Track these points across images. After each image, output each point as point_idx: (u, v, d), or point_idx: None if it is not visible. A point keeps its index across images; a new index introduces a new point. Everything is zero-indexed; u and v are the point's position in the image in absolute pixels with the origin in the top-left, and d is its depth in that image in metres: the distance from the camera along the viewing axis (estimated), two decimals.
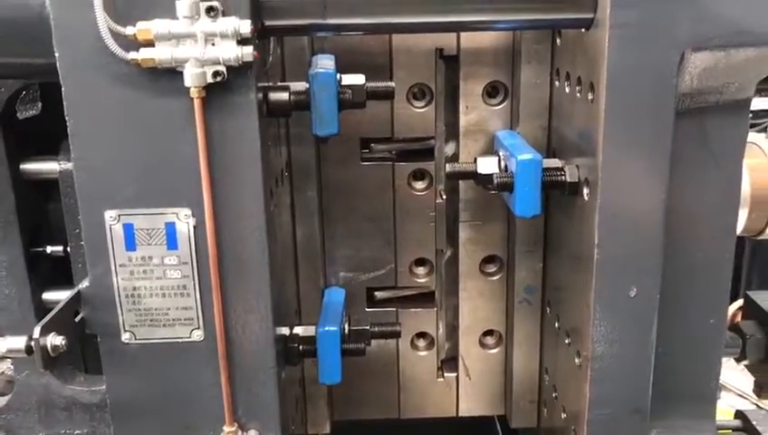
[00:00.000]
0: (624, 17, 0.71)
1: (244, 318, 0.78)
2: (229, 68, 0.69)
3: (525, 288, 1.02)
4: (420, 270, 1.08)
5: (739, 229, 1.10)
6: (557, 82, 0.91)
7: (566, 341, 0.89)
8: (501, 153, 0.90)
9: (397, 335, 0.98)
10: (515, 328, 1.04)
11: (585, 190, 0.80)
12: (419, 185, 1.04)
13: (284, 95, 0.78)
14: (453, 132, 1.02)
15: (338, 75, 0.80)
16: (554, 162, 0.86)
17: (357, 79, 0.85)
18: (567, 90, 0.87)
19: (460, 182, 1.00)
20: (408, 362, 1.11)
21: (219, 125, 0.72)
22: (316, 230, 1.01)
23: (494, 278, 1.06)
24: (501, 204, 1.00)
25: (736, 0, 0.72)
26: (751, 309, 1.14)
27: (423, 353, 1.11)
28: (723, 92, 0.78)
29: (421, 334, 1.11)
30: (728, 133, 0.81)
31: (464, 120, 0.98)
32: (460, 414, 1.12)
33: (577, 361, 0.84)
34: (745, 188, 1.09)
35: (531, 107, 0.95)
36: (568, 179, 0.82)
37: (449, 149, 1.03)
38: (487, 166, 0.88)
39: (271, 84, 0.80)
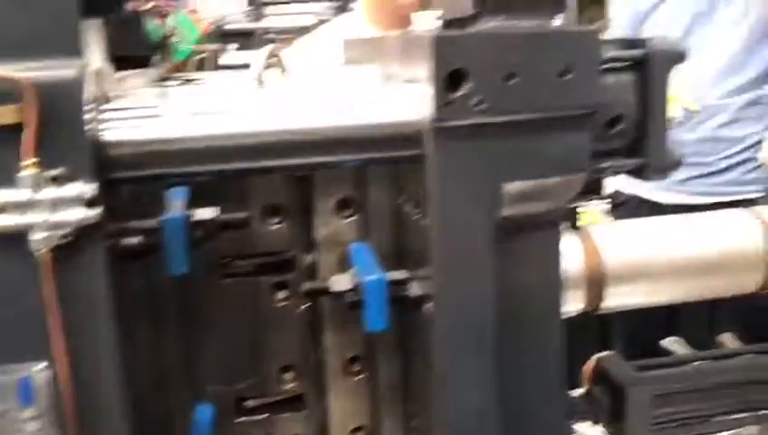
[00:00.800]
0: (446, 154, 0.80)
1: None
2: (77, 229, 0.72)
3: (389, 386, 1.08)
4: (287, 376, 1.12)
5: (579, 308, 1.22)
6: (400, 200, 0.99)
7: None
8: (353, 270, 0.96)
9: None
10: (383, 425, 1.09)
11: (427, 305, 0.87)
12: (281, 295, 1.09)
13: (134, 240, 0.81)
14: (310, 245, 1.07)
15: (189, 213, 0.85)
16: (401, 275, 0.93)
17: (209, 213, 0.90)
18: (407, 208, 0.94)
19: None
20: None
21: (69, 281, 0.74)
22: (180, 350, 1.04)
23: (360, 377, 1.11)
24: None
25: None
26: (599, 373, 1.25)
27: None
28: (538, 214, 0.88)
29: None
30: (545, 246, 0.91)
31: (319, 233, 1.05)
32: None
33: None
34: (578, 269, 1.21)
35: (379, 221, 1.02)
36: (411, 294, 0.89)
37: (308, 259, 1.09)
38: (340, 284, 0.94)
39: (123, 227, 0.82)
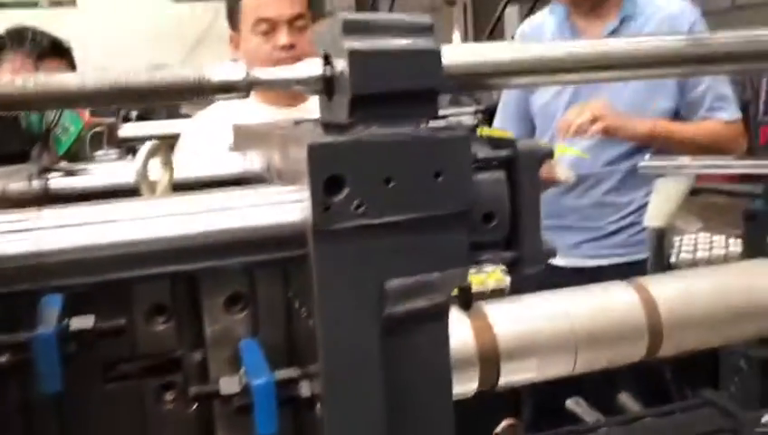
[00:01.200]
0: (328, 256, 0.81)
1: None
2: None
3: None
4: None
5: (474, 388, 1.23)
6: (290, 294, 0.99)
7: None
8: (242, 371, 0.94)
9: None
10: None
11: (318, 405, 0.86)
12: (169, 396, 1.05)
13: (1, 358, 0.77)
14: (198, 343, 1.05)
15: (63, 325, 0.81)
16: (292, 374, 0.91)
17: (85, 322, 0.87)
18: (296, 305, 0.94)
19: None
20: None
21: None
22: None
23: None
24: None
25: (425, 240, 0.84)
26: None
27: None
28: (423, 308, 0.89)
29: None
30: (433, 337, 0.92)
31: (208, 330, 1.03)
32: None
33: None
34: (471, 349, 1.24)
35: (270, 316, 1.01)
36: (302, 394, 0.88)
37: (197, 358, 1.06)
38: (229, 387, 0.92)
39: None
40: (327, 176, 0.77)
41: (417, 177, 0.80)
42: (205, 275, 1.02)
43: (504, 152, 0.84)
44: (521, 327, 1.26)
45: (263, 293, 1.02)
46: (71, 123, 1.29)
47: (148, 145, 1.08)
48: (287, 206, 0.85)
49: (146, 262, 0.81)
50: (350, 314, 0.83)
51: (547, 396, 1.93)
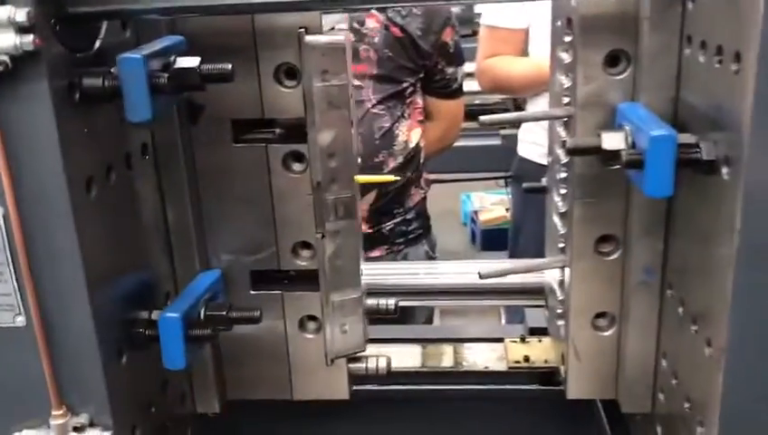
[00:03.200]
0: None
1: (60, 305, 0.79)
2: (14, 57, 0.69)
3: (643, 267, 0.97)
4: (305, 253, 1.06)
5: None
6: (687, 51, 0.85)
7: (692, 328, 0.84)
8: (627, 128, 0.85)
9: (255, 321, 0.97)
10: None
11: (724, 169, 0.74)
12: (297, 167, 1.02)
13: (98, 81, 0.77)
14: None
15: (150, 52, 0.78)
16: (688, 138, 0.79)
17: (190, 62, 0.84)
18: (701, 59, 0.79)
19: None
20: (296, 345, 1.10)
21: (12, 115, 0.72)
22: (188, 212, 1.01)
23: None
24: None
25: None
26: None
27: (310, 336, 1.10)
28: None
29: (311, 317, 1.09)
30: None
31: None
32: (569, 397, 1.11)
33: (707, 350, 0.79)
34: None
35: (655, 77, 0.88)
36: (704, 157, 0.76)
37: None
38: (613, 141, 0.84)
39: (87, 70, 0.78)
40: None
41: None
42: None
43: None
44: None
45: (649, 53, 0.87)
46: None
47: None
48: None
49: None
50: None
51: None
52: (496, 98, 4.15)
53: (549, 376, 1.27)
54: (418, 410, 1.35)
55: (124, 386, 0.87)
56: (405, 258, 2.42)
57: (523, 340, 1.34)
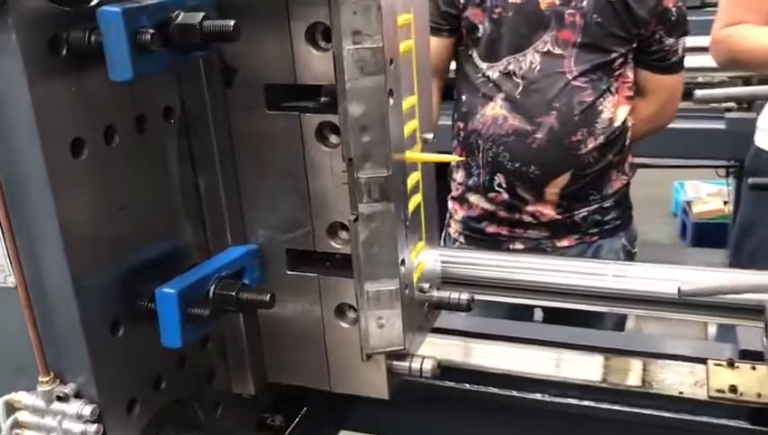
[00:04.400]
0: None
1: (41, 270, 0.76)
2: None
3: None
4: (343, 235, 0.97)
5: None
6: None
7: None
8: None
9: (266, 305, 0.89)
10: None
11: None
12: (333, 139, 0.92)
13: (82, 37, 0.72)
14: None
15: (141, 15, 0.72)
16: None
17: (191, 18, 0.76)
18: None
19: None
20: (333, 334, 1.01)
21: None
22: (219, 181, 0.95)
23: None
24: None
25: None
26: None
27: (347, 326, 1.00)
28: None
29: (349, 306, 1.00)
30: None
31: None
32: None
33: None
34: None
35: None
36: None
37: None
38: None
39: (76, 25, 0.74)
40: None
41: None
42: None
43: None
44: None
45: None
46: None
47: None
48: None
49: None
50: None
51: None
52: (724, 75, 3.62)
53: (761, 414, 1.05)
54: (592, 429, 1.20)
55: (120, 359, 0.83)
56: (598, 251, 2.15)
57: (731, 364, 1.13)
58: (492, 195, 2.09)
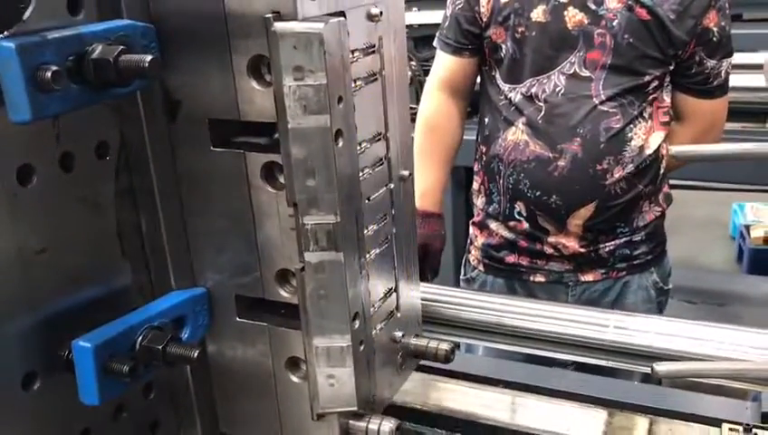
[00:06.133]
0: None
1: None
2: None
3: None
4: (294, 282, 0.89)
5: None
6: None
7: None
8: None
9: (191, 362, 0.82)
10: None
11: None
12: (282, 180, 0.84)
13: None
14: None
15: (46, 48, 0.66)
16: None
17: (107, 52, 0.70)
18: None
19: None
20: (284, 388, 0.94)
21: None
22: (160, 222, 0.89)
23: None
24: None
25: None
26: None
27: (297, 380, 0.93)
28: None
29: (301, 359, 0.92)
30: None
31: None
32: None
33: None
34: None
35: None
36: None
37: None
38: None
39: None
40: None
41: None
42: None
43: None
44: None
45: None
46: None
47: None
48: None
49: None
50: None
51: None
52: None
53: None
54: None
55: (37, 412, 0.78)
56: (625, 287, 2.01)
57: (748, 430, 1.03)
58: (512, 223, 1.98)
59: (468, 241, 2.20)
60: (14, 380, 0.76)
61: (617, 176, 1.87)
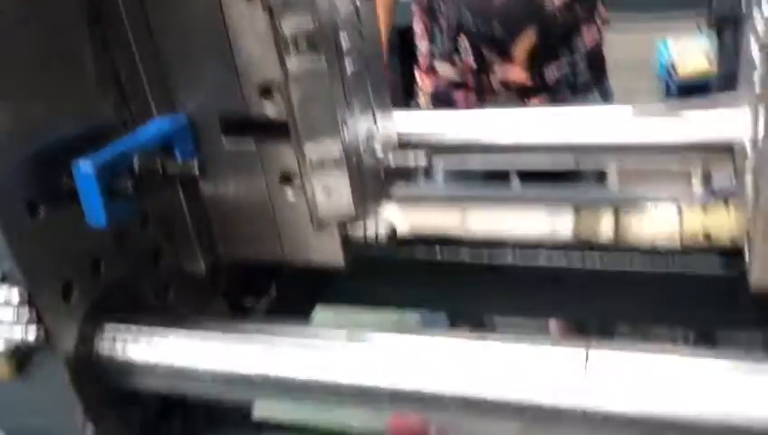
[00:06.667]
0: None
1: None
2: None
3: None
4: (275, 97, 0.90)
5: None
6: None
7: None
8: None
9: (196, 177, 0.83)
10: None
11: None
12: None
13: None
14: None
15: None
16: None
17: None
18: None
19: None
20: (280, 205, 0.97)
21: None
22: (132, 45, 0.88)
23: None
24: None
25: None
26: None
27: (293, 194, 0.96)
28: None
29: (294, 174, 0.94)
30: None
31: None
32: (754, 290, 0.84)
33: None
34: None
35: None
36: None
37: None
38: None
39: None
40: None
41: None
42: None
43: None
44: None
45: None
46: None
47: None
48: None
49: None
50: None
51: None
52: None
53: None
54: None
55: (43, 241, 0.79)
56: None
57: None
58: (457, 60, 2.00)
59: (415, 92, 2.23)
60: (22, 208, 0.77)
61: (557, 3, 1.90)
